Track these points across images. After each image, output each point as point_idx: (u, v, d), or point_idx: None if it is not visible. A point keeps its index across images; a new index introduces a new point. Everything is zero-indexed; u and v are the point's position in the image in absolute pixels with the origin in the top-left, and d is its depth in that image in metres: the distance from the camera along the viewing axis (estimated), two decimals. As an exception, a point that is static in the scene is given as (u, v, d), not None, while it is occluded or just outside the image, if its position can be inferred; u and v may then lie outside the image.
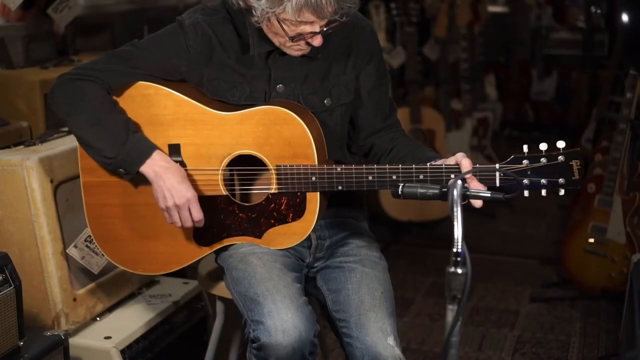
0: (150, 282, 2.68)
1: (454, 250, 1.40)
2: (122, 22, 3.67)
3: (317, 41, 1.90)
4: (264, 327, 1.83)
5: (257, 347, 1.85)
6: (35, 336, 2.11)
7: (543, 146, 1.81)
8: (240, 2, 1.92)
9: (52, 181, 2.27)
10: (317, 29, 1.88)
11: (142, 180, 2.02)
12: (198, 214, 1.98)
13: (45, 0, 3.07)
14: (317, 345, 1.92)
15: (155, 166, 1.95)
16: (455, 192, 1.46)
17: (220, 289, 2.19)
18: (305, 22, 1.86)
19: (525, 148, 1.82)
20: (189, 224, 1.99)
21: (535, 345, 3.24)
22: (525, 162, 1.83)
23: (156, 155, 1.96)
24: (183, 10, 2.15)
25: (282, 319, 1.83)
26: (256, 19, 1.88)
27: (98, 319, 2.45)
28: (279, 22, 1.87)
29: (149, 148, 1.97)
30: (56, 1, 3.04)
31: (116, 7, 3.59)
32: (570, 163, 1.81)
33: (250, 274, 1.95)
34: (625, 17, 4.08)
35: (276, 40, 1.95)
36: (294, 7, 1.81)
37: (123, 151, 1.94)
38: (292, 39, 1.89)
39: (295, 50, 1.95)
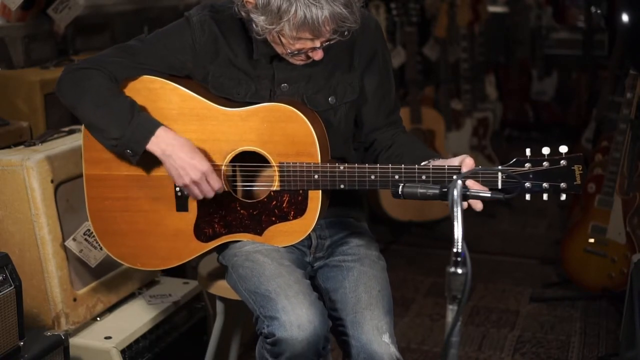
0: (150, 282, 2.68)
1: (454, 250, 1.40)
2: (122, 22, 3.67)
3: (317, 55, 1.92)
4: (279, 322, 1.84)
5: (272, 343, 1.85)
6: (35, 336, 2.11)
7: (545, 150, 1.81)
8: (243, 13, 1.93)
9: (52, 181, 2.27)
10: (318, 45, 1.89)
11: (144, 174, 2.03)
12: (217, 183, 1.97)
13: (45, 0, 3.07)
14: (330, 340, 1.93)
15: (162, 144, 1.95)
16: (455, 192, 1.46)
17: (220, 289, 2.19)
18: (305, 39, 1.87)
19: (527, 151, 1.82)
20: (210, 194, 1.98)
21: (535, 345, 3.24)
22: (527, 165, 1.83)
23: (161, 132, 1.95)
24: (183, 10, 2.16)
25: (297, 314, 1.83)
26: (257, 30, 1.89)
27: (98, 319, 2.45)
28: (278, 37, 1.88)
29: (154, 125, 1.96)
30: (56, 1, 3.04)
31: (116, 7, 3.59)
32: (573, 168, 1.81)
33: (259, 271, 1.95)
34: (625, 17, 4.08)
35: (278, 50, 1.96)
36: (292, 27, 1.83)
37: (128, 130, 1.94)
38: (291, 54, 1.91)
39: (297, 60, 1.96)
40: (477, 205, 1.79)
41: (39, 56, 3.13)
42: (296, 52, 1.91)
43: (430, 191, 1.70)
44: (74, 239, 2.33)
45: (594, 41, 6.50)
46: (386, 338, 1.92)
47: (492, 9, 6.66)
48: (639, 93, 3.47)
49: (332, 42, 1.90)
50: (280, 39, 1.89)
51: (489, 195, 1.68)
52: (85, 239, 2.36)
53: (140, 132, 1.95)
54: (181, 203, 2.07)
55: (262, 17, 1.85)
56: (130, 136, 1.95)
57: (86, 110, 1.99)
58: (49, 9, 3.05)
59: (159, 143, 1.95)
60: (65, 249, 2.31)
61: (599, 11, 6.51)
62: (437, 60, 5.21)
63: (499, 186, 1.85)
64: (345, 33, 1.88)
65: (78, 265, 2.37)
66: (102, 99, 1.97)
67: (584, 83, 6.33)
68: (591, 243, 3.57)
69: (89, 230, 2.32)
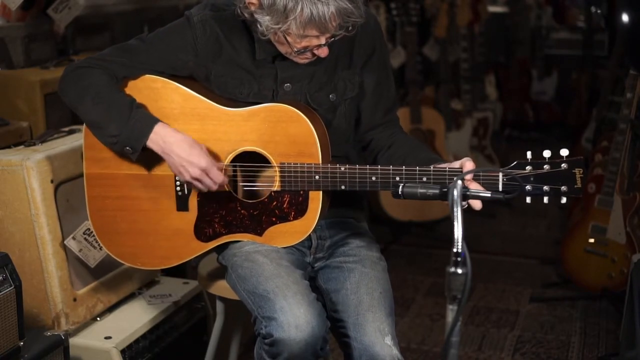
0: (150, 282, 2.68)
1: (454, 250, 1.40)
2: (122, 22, 3.67)
3: (323, 53, 1.92)
4: (276, 322, 1.84)
5: (270, 343, 1.85)
6: (35, 336, 2.11)
7: (547, 153, 1.81)
8: (246, 14, 1.92)
9: (52, 181, 2.27)
10: (323, 42, 1.89)
11: (145, 173, 2.03)
12: (219, 177, 1.96)
13: (45, 0, 3.07)
14: (328, 341, 1.93)
15: (160, 141, 1.95)
16: (455, 192, 1.47)
17: (220, 289, 2.19)
18: (311, 36, 1.87)
19: (529, 154, 1.83)
20: (214, 187, 1.98)
21: (535, 345, 3.24)
22: (528, 168, 1.83)
23: (159, 129, 1.95)
24: (183, 10, 2.16)
25: (295, 314, 1.83)
26: (262, 31, 1.89)
27: (98, 319, 2.45)
28: (284, 36, 1.88)
29: (152, 121, 1.96)
30: (56, 1, 3.04)
31: (116, 7, 3.60)
32: (573, 171, 1.81)
33: (257, 272, 1.95)
34: (625, 17, 4.08)
35: (282, 50, 1.95)
36: (298, 25, 1.83)
37: (127, 127, 1.95)
38: (298, 52, 1.91)
39: (302, 59, 1.96)
40: (476, 205, 1.79)
41: (39, 56, 3.13)
42: (302, 50, 1.91)
43: (430, 191, 1.71)
44: (74, 238, 2.33)
45: (594, 41, 6.50)
46: (388, 340, 1.92)
47: (492, 9, 6.66)
48: (639, 93, 3.47)
49: (337, 38, 1.90)
50: (285, 38, 1.89)
51: (489, 195, 1.68)
52: (85, 238, 2.36)
53: (138, 128, 1.95)
54: (181, 202, 2.07)
55: (268, 17, 1.85)
56: (129, 133, 1.95)
57: (86, 107, 1.99)
58: (49, 9, 3.05)
59: (157, 140, 1.95)
60: (66, 248, 2.31)
61: (599, 11, 6.51)
62: (437, 60, 5.21)
63: (500, 189, 1.85)
64: (350, 28, 1.88)
65: (78, 265, 2.37)
66: (102, 96, 1.97)
67: (584, 83, 6.33)
68: (591, 243, 3.57)
69: (89, 229, 2.32)
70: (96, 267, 2.41)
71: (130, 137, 1.95)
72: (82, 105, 2.00)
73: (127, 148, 1.98)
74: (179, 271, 2.82)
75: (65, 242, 2.30)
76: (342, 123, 2.09)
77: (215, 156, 2.02)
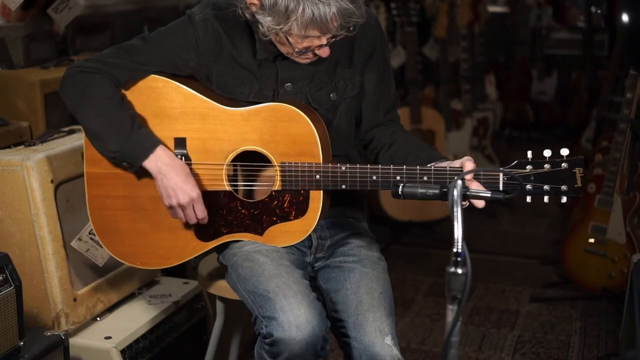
0: (150, 282, 2.68)
1: (454, 250, 1.40)
2: (122, 22, 3.67)
3: (324, 53, 1.92)
4: (277, 322, 1.84)
5: (270, 343, 1.85)
6: (35, 336, 2.11)
7: (547, 152, 1.81)
8: (247, 15, 1.92)
9: (52, 181, 2.27)
10: (324, 42, 1.89)
11: (145, 173, 2.03)
12: (202, 213, 2.00)
13: (45, 0, 3.07)
14: (328, 340, 1.93)
15: (159, 162, 1.96)
16: (455, 192, 1.46)
17: (220, 289, 2.19)
18: (312, 37, 1.87)
19: (529, 154, 1.83)
20: (193, 221, 2.01)
21: (535, 345, 3.24)
22: (528, 167, 1.83)
23: (159, 151, 1.97)
24: (183, 9, 2.16)
25: (295, 314, 1.83)
26: (263, 31, 1.89)
27: (98, 319, 2.45)
28: (285, 37, 1.88)
29: (153, 143, 1.97)
30: (56, 1, 3.04)
31: (116, 7, 3.60)
32: (574, 171, 1.81)
33: (258, 271, 1.95)
34: (625, 17, 4.07)
35: (284, 50, 1.95)
36: (300, 25, 1.83)
37: (127, 145, 1.95)
38: (299, 52, 1.91)
39: (303, 59, 1.96)
40: (479, 203, 1.79)
41: (39, 56, 3.13)
42: (303, 50, 1.91)
43: (430, 191, 1.71)
44: (80, 239, 2.33)
45: (594, 41, 6.50)
46: (389, 340, 1.92)
47: (492, 9, 6.67)
48: (639, 93, 3.47)
49: (338, 38, 1.90)
50: (287, 39, 1.89)
51: (489, 195, 1.68)
52: (91, 238, 2.36)
53: (139, 149, 1.96)
54: (181, 203, 2.07)
55: (269, 18, 1.85)
56: (129, 151, 1.96)
57: (87, 117, 1.99)
58: (49, 9, 3.05)
59: (156, 161, 1.96)
60: (66, 248, 2.31)
61: (599, 11, 6.52)
62: (437, 60, 5.22)
63: (501, 188, 1.85)
64: (351, 28, 1.88)
65: (78, 265, 2.37)
66: (104, 109, 1.97)
67: (584, 83, 6.33)
68: (591, 243, 3.57)
69: (93, 229, 2.32)
70: (96, 267, 2.41)
71: (130, 155, 1.97)
72: (83, 113, 1.99)
73: (125, 163, 1.99)
74: (179, 271, 2.82)
75: (71, 243, 2.31)
76: (343, 122, 2.09)
77: (215, 155, 2.02)
